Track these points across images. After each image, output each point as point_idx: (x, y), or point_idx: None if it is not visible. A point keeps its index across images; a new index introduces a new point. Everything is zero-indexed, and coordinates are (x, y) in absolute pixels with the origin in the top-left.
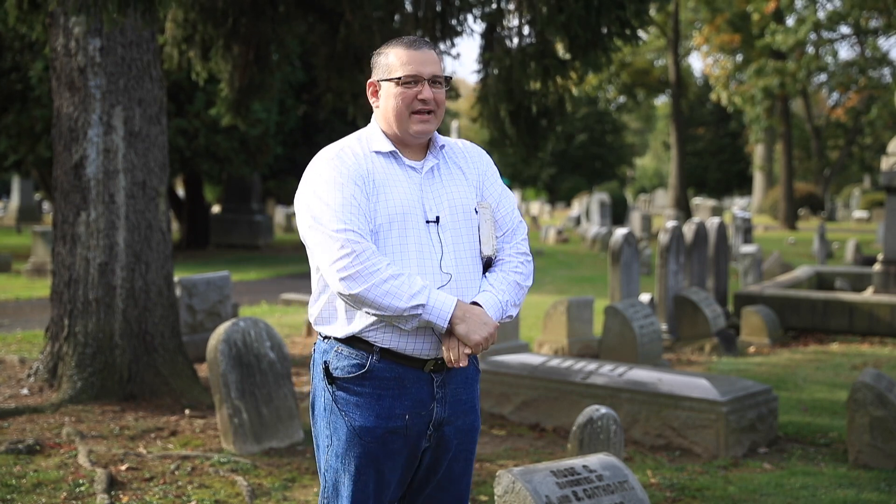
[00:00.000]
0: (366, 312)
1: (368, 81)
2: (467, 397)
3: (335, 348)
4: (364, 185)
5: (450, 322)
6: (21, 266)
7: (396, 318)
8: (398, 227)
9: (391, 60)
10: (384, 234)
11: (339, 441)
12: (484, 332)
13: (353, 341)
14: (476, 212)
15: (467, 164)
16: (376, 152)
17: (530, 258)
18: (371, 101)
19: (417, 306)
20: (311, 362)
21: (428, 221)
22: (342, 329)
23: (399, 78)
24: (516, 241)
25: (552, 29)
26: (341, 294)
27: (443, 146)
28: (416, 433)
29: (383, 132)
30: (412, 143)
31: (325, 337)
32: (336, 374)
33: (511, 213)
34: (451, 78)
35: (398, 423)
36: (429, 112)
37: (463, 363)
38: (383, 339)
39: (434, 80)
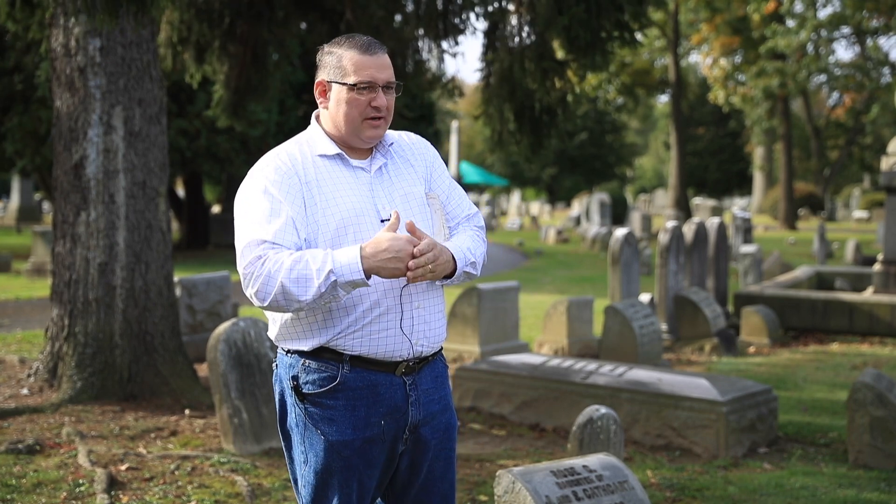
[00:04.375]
0: (303, 310)
1: (317, 80)
2: (439, 396)
3: (302, 363)
4: (300, 192)
5: (364, 271)
6: (21, 266)
7: (326, 297)
8: (353, 230)
9: (345, 63)
10: (340, 239)
11: (316, 457)
12: (393, 260)
13: (320, 353)
14: (428, 204)
15: (415, 156)
16: (321, 156)
17: (485, 236)
18: (319, 101)
19: (329, 274)
20: (274, 378)
21: (382, 220)
22: (309, 341)
23: (354, 84)
24: (475, 223)
25: (553, 31)
26: (265, 310)
27: (391, 143)
28: (392, 438)
29: (327, 134)
30: (360, 147)
31: (289, 351)
32: (306, 389)
33: (463, 202)
34: (402, 84)
35: (375, 431)
36: (380, 118)
37: (416, 276)
38: (353, 346)
39: (387, 86)
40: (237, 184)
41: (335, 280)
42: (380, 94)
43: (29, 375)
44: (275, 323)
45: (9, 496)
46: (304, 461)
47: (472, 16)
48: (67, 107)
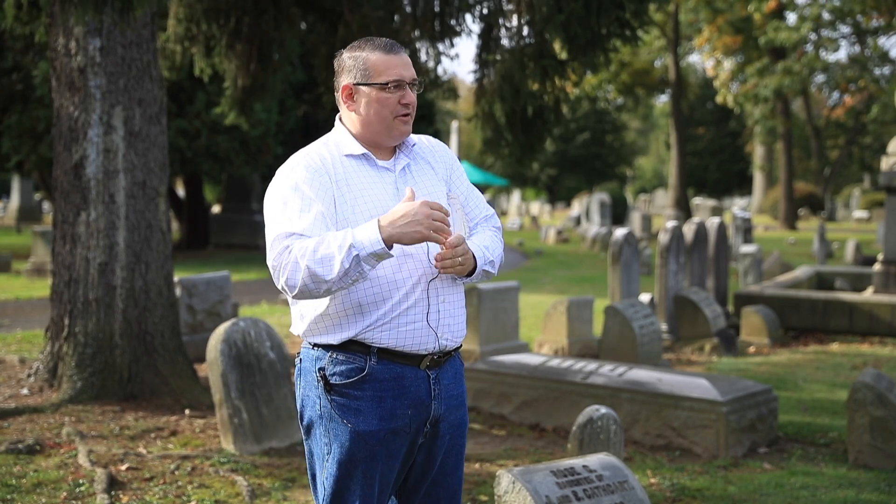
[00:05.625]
0: (333, 293)
1: (342, 84)
2: (457, 392)
3: (330, 355)
4: (330, 189)
5: (385, 241)
6: (21, 266)
7: (352, 274)
8: None
9: (371, 65)
10: None
11: (341, 448)
12: (411, 224)
13: (348, 346)
14: (449, 204)
15: (435, 159)
16: (348, 156)
17: (502, 236)
18: (344, 104)
19: (350, 249)
20: (298, 371)
21: None
22: (338, 335)
23: (385, 84)
24: (493, 224)
25: (552, 29)
26: (297, 298)
27: (413, 145)
28: (414, 431)
29: (353, 135)
30: (389, 146)
31: (315, 345)
32: (334, 381)
33: (481, 204)
34: (423, 81)
35: (399, 423)
36: (409, 114)
37: (445, 266)
38: (381, 338)
39: (412, 83)
40: (237, 184)
41: (357, 254)
42: (408, 91)
43: (29, 375)
44: (303, 319)
45: (9, 496)
46: (328, 452)
47: (469, 17)
48: (67, 107)
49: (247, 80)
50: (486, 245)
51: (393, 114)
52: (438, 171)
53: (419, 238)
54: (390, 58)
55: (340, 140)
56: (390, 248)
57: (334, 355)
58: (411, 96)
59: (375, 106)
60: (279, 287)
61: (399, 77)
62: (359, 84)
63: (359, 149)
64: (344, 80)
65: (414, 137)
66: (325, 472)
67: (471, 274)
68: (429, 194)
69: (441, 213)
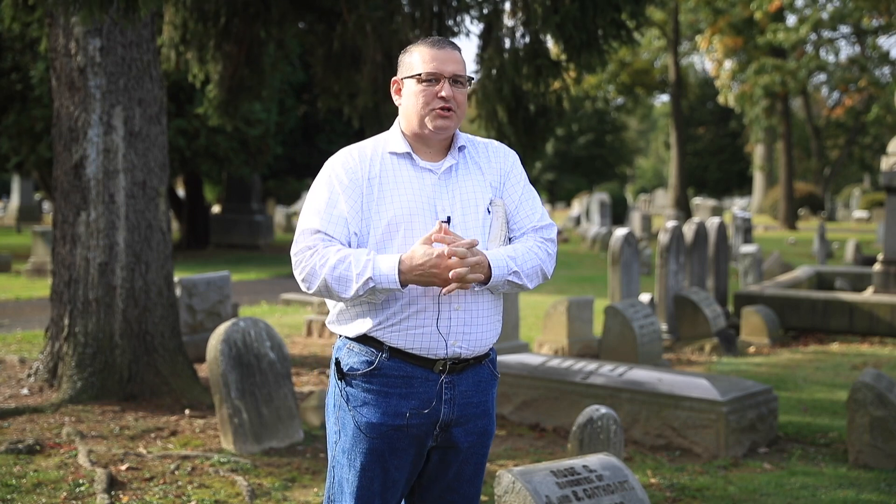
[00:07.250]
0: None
1: (392, 79)
2: (479, 400)
3: (347, 346)
4: (360, 188)
5: (401, 281)
6: (21, 266)
7: (364, 297)
8: (404, 228)
9: (414, 59)
10: (391, 235)
11: (345, 437)
12: (426, 276)
13: (363, 339)
14: (488, 210)
15: (488, 163)
16: (391, 153)
17: (554, 250)
18: (395, 100)
19: (367, 281)
20: (332, 360)
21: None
22: (353, 328)
23: (419, 75)
24: (542, 234)
25: (547, 29)
26: (311, 295)
27: (463, 146)
28: (422, 432)
29: (403, 133)
30: (432, 141)
31: (340, 335)
32: (347, 370)
33: (534, 213)
34: (472, 78)
35: (402, 421)
36: (448, 110)
37: (449, 289)
38: (391, 338)
39: (455, 80)
40: (237, 184)
41: (374, 286)
42: (445, 85)
43: (29, 375)
44: (332, 310)
45: (9, 496)
46: (336, 440)
47: (467, 18)
48: (67, 107)
49: (233, 82)
50: (514, 255)
51: (428, 106)
52: (487, 176)
53: (434, 284)
54: (432, 51)
55: (390, 137)
56: (404, 286)
57: (351, 346)
58: (448, 90)
59: (412, 98)
60: (295, 276)
61: (435, 70)
62: (403, 78)
63: (402, 147)
64: (396, 76)
65: (467, 139)
66: (333, 460)
67: (485, 282)
68: (467, 199)
69: (461, 258)
